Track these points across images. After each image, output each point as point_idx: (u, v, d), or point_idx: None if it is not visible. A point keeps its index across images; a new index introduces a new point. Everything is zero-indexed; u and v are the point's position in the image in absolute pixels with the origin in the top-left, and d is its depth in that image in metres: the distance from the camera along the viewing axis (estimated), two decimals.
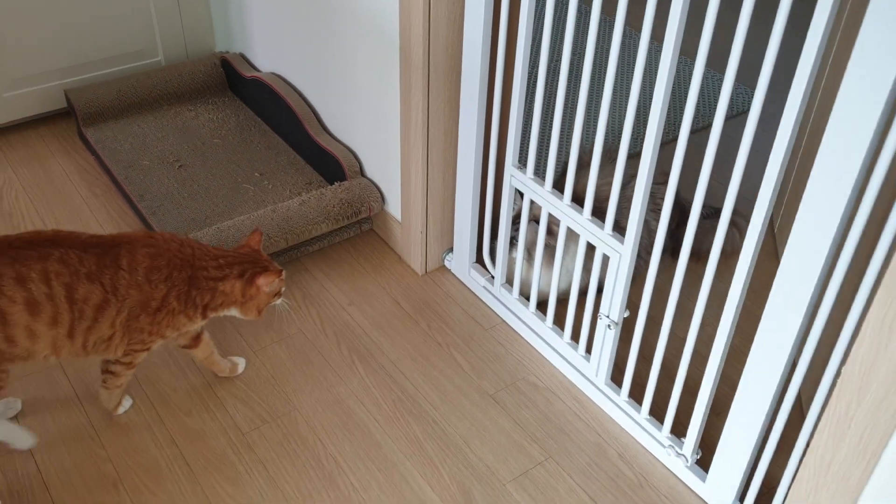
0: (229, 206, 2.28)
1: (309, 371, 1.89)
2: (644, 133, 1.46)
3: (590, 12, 3.40)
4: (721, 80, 3.02)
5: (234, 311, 1.66)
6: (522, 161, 1.83)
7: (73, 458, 1.68)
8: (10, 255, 1.45)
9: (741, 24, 1.21)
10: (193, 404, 1.81)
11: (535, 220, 1.93)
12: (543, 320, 1.92)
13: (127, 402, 1.79)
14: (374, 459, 1.70)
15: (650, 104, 1.43)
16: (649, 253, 1.97)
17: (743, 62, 1.26)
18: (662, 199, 1.90)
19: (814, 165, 1.18)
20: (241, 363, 1.89)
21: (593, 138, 2.58)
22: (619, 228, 1.62)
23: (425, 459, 1.71)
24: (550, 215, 1.78)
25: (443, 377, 1.89)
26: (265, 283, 1.62)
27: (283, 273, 1.67)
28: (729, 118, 2.70)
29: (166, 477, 1.65)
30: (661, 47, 1.35)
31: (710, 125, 2.74)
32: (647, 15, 1.34)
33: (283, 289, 1.71)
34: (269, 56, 2.61)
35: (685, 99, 2.89)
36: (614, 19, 1.42)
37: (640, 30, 2.52)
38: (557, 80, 2.84)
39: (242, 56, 2.76)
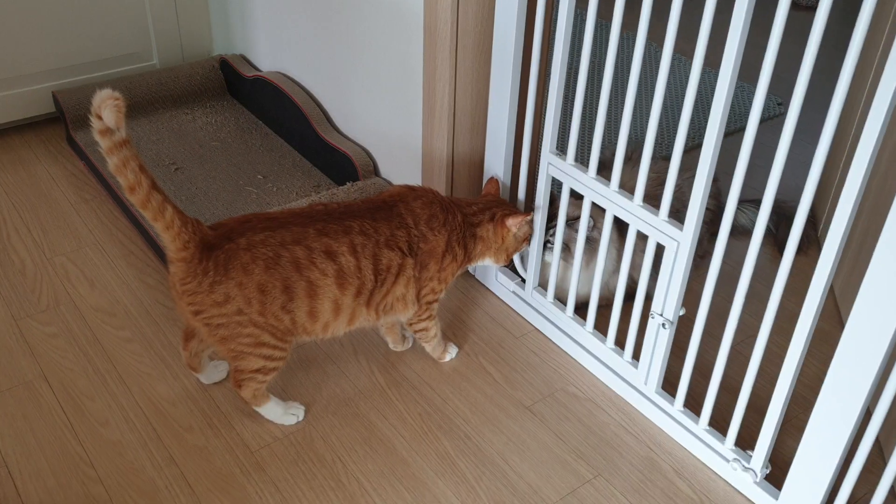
0: (230, 208, 2.10)
1: (324, 383, 1.70)
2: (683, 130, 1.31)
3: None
4: (745, 90, 2.89)
5: (489, 260, 1.68)
6: (561, 149, 1.67)
7: (57, 479, 1.48)
8: (317, 228, 1.45)
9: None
10: (195, 419, 1.61)
11: (571, 220, 1.76)
12: (583, 325, 1.74)
13: (452, 350, 1.77)
14: (402, 478, 1.51)
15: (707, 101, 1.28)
16: None
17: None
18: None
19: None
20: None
21: (640, 130, 2.44)
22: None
23: (459, 478, 1.51)
24: (594, 205, 1.61)
25: (473, 388, 1.70)
26: (514, 223, 1.63)
27: (532, 216, 1.69)
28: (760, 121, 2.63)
29: (164, 499, 1.45)
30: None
31: (738, 130, 2.65)
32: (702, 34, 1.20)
33: (531, 235, 1.73)
34: (271, 55, 2.45)
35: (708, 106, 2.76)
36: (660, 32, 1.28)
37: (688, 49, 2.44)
38: (604, 57, 2.69)
39: (243, 57, 2.61)
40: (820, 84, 1.14)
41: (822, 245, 1.22)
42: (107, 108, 1.20)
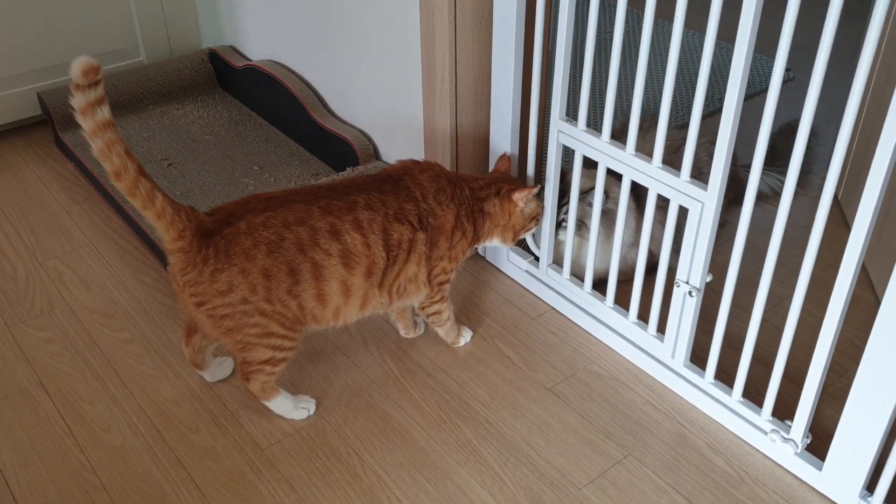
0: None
1: (335, 375, 1.62)
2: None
3: None
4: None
5: (496, 240, 1.60)
6: (571, 115, 1.58)
7: (58, 488, 1.39)
8: (321, 206, 1.38)
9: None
10: (201, 419, 1.53)
11: (583, 193, 1.68)
12: (603, 301, 1.66)
13: (467, 334, 1.69)
14: (422, 469, 1.43)
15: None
16: None
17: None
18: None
19: None
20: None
21: (649, 98, 2.37)
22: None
23: (482, 465, 1.43)
24: (608, 175, 1.53)
25: (491, 372, 1.62)
26: (520, 197, 1.55)
27: (538, 188, 1.60)
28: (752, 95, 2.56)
29: None
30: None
31: (748, 97, 2.61)
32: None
33: (540, 214, 1.65)
34: (262, 43, 2.37)
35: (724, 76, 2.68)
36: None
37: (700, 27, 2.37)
38: (610, 23, 2.61)
39: (233, 48, 2.53)
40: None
41: (847, 217, 1.14)
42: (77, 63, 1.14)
